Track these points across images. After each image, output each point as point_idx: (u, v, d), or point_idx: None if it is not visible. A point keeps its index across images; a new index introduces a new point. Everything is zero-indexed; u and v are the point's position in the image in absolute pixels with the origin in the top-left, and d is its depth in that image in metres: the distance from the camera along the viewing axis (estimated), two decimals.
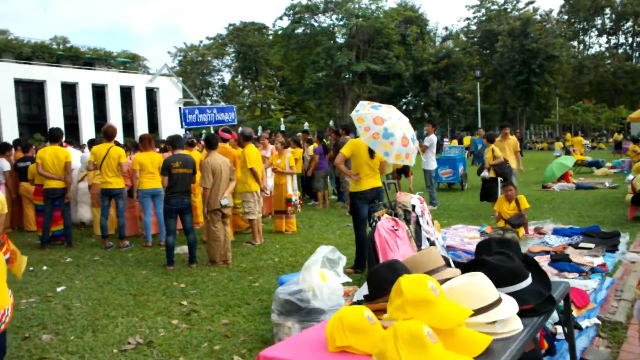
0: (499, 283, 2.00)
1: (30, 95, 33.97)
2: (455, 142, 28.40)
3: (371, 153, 5.89)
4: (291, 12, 40.78)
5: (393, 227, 4.93)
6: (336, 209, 10.88)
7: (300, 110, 51.04)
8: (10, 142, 10.28)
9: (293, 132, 25.95)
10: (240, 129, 8.33)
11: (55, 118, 32.27)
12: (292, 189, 8.63)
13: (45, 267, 6.52)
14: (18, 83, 31.40)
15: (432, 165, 10.75)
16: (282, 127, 33.41)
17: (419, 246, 5.09)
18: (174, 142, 6.71)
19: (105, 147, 7.53)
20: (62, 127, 31.74)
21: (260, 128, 36.27)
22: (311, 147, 11.87)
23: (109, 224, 7.77)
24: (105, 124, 8.20)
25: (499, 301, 1.88)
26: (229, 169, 6.70)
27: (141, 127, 36.97)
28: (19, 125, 30.50)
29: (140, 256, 7.12)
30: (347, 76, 41.19)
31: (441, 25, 71.27)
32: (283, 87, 53.77)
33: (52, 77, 32.29)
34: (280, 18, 42.16)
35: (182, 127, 7.36)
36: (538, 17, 43.89)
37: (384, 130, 5.41)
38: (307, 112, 50.89)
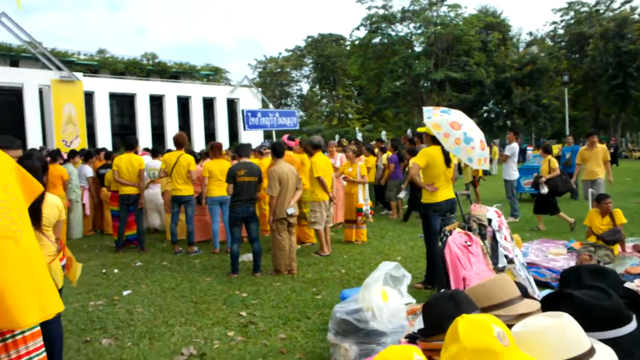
0: (591, 327, 1.53)
1: (122, 107, 36.19)
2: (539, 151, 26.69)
3: (447, 161, 5.47)
4: (368, 22, 40.56)
5: (466, 242, 4.46)
6: (410, 219, 10.39)
7: (377, 119, 50.55)
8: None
9: (368, 141, 25.62)
10: (312, 137, 8.10)
11: (144, 128, 34.13)
12: (363, 198, 8.30)
13: (116, 270, 6.64)
14: (112, 96, 33.55)
15: (514, 175, 10.00)
16: (359, 136, 33.16)
17: (495, 264, 4.58)
18: (239, 150, 6.63)
19: (176, 154, 7.62)
20: (150, 137, 33.68)
21: (337, 137, 36.29)
22: (385, 156, 11.49)
23: (178, 230, 7.83)
24: (177, 133, 8.31)
25: (591, 353, 1.43)
26: (295, 177, 6.51)
27: (222, 136, 38.19)
28: (112, 135, 32.53)
29: (207, 263, 7.09)
30: (426, 84, 40.27)
31: (525, 31, 67.94)
32: (360, 96, 53.58)
33: (142, 90, 34.24)
34: (357, 29, 42.11)
35: (244, 129, 7.20)
36: (636, 16, 40.53)
37: (463, 135, 4.99)
38: (385, 120, 50.30)
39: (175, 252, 7.63)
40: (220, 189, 7.48)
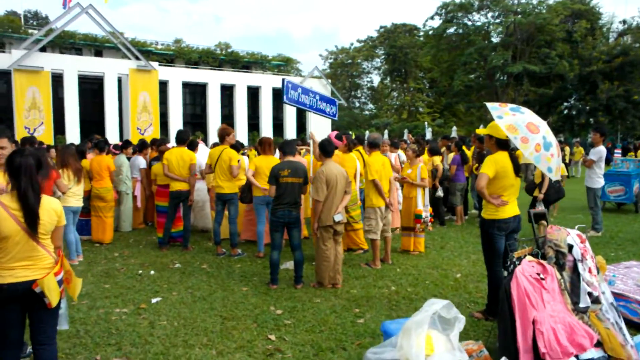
0: None
1: (194, 96, 36.87)
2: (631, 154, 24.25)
3: (516, 170, 4.56)
4: (443, 11, 38.74)
5: (539, 274, 3.59)
6: (475, 227, 9.40)
7: (449, 113, 48.56)
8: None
9: (436, 138, 24.35)
10: (367, 134, 7.32)
11: (214, 118, 34.62)
12: (422, 204, 7.45)
13: (152, 272, 6.27)
14: (185, 85, 34.23)
15: (598, 182, 8.70)
16: (428, 133, 31.78)
17: (575, 303, 3.67)
18: (284, 147, 6.00)
19: (219, 149, 7.15)
20: (219, 126, 34.09)
21: (405, 131, 35.06)
22: (451, 155, 10.49)
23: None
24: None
25: None
26: (345, 180, 5.81)
27: (290, 127, 38.11)
28: (183, 124, 33.22)
29: (248, 268, 6.56)
30: (502, 78, 37.96)
31: (617, 19, 62.30)
32: (432, 89, 51.70)
33: (214, 79, 34.67)
34: (432, 18, 40.36)
35: (283, 101, 6.65)
36: None
37: (543, 139, 4.08)
38: (456, 115, 48.22)
39: (217, 254, 7.19)
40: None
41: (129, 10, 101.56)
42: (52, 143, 24.35)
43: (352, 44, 57.54)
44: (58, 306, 3.13)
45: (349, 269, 6.49)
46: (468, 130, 38.38)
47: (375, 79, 59.34)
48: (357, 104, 61.25)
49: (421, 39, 48.58)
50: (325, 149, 5.93)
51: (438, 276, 6.18)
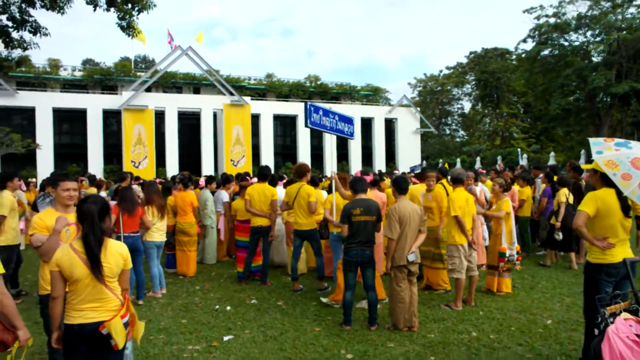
0: None
1: (285, 128, 38.00)
2: None
3: (625, 209, 4.03)
4: (536, 33, 36.93)
5: (638, 335, 3.09)
6: (569, 265, 8.57)
7: (546, 138, 45.85)
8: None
9: (532, 164, 22.92)
10: (457, 162, 7.00)
11: (304, 149, 35.37)
12: (508, 241, 6.92)
13: (229, 308, 6.32)
14: (276, 118, 35.42)
15: None
16: (523, 159, 30.08)
17: None
18: (354, 185, 5.85)
19: (297, 186, 7.17)
20: (309, 158, 34.74)
21: (499, 158, 33.50)
22: (542, 186, 9.74)
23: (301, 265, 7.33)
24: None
25: None
26: (419, 218, 5.54)
27: (379, 156, 37.97)
28: (274, 155, 34.27)
29: (324, 308, 6.40)
30: (605, 99, 35.19)
31: None
32: (527, 114, 49.26)
33: (303, 111, 35.48)
34: (524, 41, 38.59)
35: (305, 125, 6.42)
36: None
37: None
38: (554, 140, 45.39)
39: (294, 290, 7.12)
40: None
41: (226, 50, 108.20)
42: (154, 175, 26.17)
43: (441, 71, 56.69)
44: (124, 348, 3.19)
45: (427, 310, 6.13)
46: (567, 156, 35.82)
47: (466, 105, 57.77)
48: (448, 131, 59.81)
49: (513, 62, 46.69)
50: (400, 186, 5.71)
51: (525, 322, 5.63)
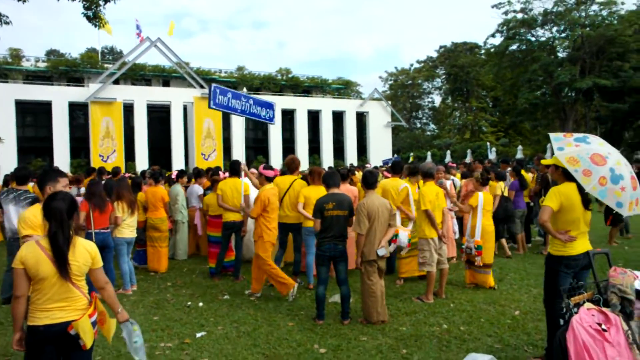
0: None
1: (256, 121, 37.65)
2: None
3: (585, 203, 4.15)
4: (504, 28, 37.64)
5: (600, 324, 3.20)
6: (538, 257, 8.81)
7: (514, 132, 46.89)
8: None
9: (498, 158, 23.42)
10: (423, 163, 7.12)
11: (276, 142, 35.23)
12: (471, 234, 7.04)
13: (201, 304, 6.26)
14: None
15: None
16: (492, 153, 30.71)
17: None
18: (327, 179, 5.88)
19: (290, 179, 7.22)
20: (280, 151, 34.62)
21: (469, 152, 34.10)
22: (512, 179, 9.94)
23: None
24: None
25: None
26: (388, 212, 5.59)
27: (351, 150, 38.12)
28: (246, 148, 33.98)
29: (298, 301, 6.41)
30: (570, 94, 36.16)
31: None
32: (495, 108, 50.22)
33: (275, 104, 35.30)
34: (493, 36, 39.32)
35: (209, 106, 6.47)
36: None
37: (610, 171, 3.70)
38: (522, 134, 46.45)
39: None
40: None
41: (196, 41, 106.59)
42: (123, 170, 25.64)
43: (412, 65, 57.30)
44: (92, 348, 3.12)
45: (399, 303, 6.21)
46: (535, 150, 36.76)
47: (437, 99, 58.55)
48: (419, 125, 60.51)
49: (482, 57, 47.51)
50: (367, 181, 5.75)
51: (495, 313, 5.77)
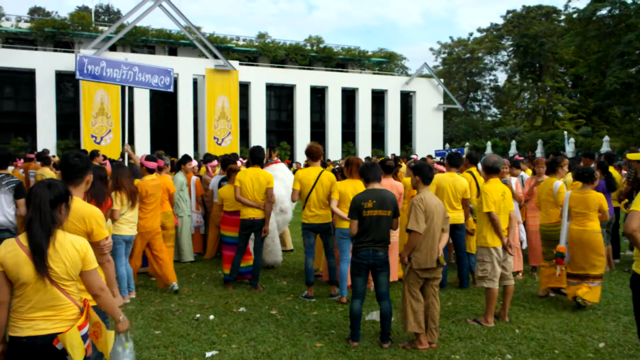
0: None
1: (280, 100, 38.01)
2: None
3: None
4: None
5: None
6: (629, 275, 8.61)
7: (599, 119, 45.84)
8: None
9: (578, 152, 22.96)
10: (485, 155, 7.04)
11: (303, 126, 35.40)
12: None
13: (212, 317, 6.38)
14: (269, 88, 35.39)
15: None
16: (570, 145, 30.15)
17: None
18: (365, 172, 5.87)
19: (316, 171, 7.26)
20: (308, 135, 34.77)
21: (539, 143, 33.58)
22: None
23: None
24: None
25: None
26: (443, 215, 5.59)
27: (393, 137, 38.04)
28: (267, 132, 34.25)
29: (326, 317, 6.47)
30: None
31: None
32: (576, 88, 49.19)
33: (302, 80, 35.50)
34: None
35: (76, 77, 7.08)
36: None
37: None
38: (610, 121, 45.39)
39: (306, 297, 7.23)
40: None
41: (209, 1, 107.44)
42: (119, 154, 26.17)
43: (471, 35, 56.58)
44: None
45: (451, 325, 6.19)
46: (626, 141, 35.90)
47: (501, 76, 57.83)
48: (477, 108, 59.82)
49: (562, 24, 46.55)
50: (426, 175, 5.73)
51: (572, 344, 5.68)
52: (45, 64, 29.23)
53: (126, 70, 7.84)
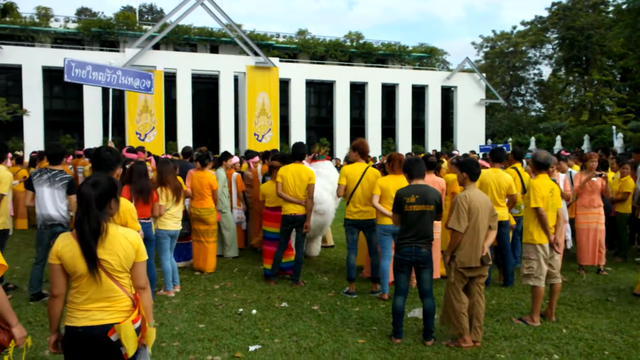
0: None
1: (320, 96, 38.03)
2: None
3: None
4: None
5: None
6: None
7: None
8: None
9: (627, 147, 22.30)
10: (535, 152, 6.96)
11: (342, 122, 35.36)
12: None
13: (254, 311, 6.43)
14: (309, 84, 35.44)
15: None
16: (618, 140, 29.28)
17: None
18: (409, 167, 5.82)
19: (362, 167, 7.25)
20: (348, 131, 34.72)
21: (586, 138, 32.72)
22: None
23: None
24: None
25: None
26: (490, 211, 5.49)
27: (433, 133, 37.64)
28: (306, 129, 34.34)
29: (367, 314, 6.45)
30: None
31: None
32: (625, 82, 47.71)
33: (342, 76, 35.45)
34: None
35: (65, 79, 7.82)
36: None
37: None
38: None
39: (347, 293, 7.23)
40: None
41: (250, 0, 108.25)
42: (163, 151, 26.66)
43: (514, 28, 55.40)
44: (135, 358, 3.25)
45: (496, 324, 6.10)
46: None
47: (545, 70, 56.39)
48: (520, 103, 58.67)
49: (610, 15, 45.17)
50: (473, 171, 5.64)
51: (623, 345, 5.52)
52: None
53: (110, 73, 8.89)
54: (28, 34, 34.44)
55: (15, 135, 28.60)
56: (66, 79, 8.18)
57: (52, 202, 6.36)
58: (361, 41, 41.41)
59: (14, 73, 29.57)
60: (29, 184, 6.44)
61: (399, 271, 5.63)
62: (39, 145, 25.46)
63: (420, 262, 5.55)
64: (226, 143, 30.72)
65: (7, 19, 29.92)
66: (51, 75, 30.59)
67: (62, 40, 35.78)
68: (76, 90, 30.52)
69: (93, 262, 3.08)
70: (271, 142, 30.66)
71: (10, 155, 6.81)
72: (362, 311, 6.57)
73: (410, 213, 5.49)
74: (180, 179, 7.30)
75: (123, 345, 3.13)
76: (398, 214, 5.56)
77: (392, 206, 5.71)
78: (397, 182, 6.90)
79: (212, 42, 37.91)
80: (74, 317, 3.15)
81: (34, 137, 27.65)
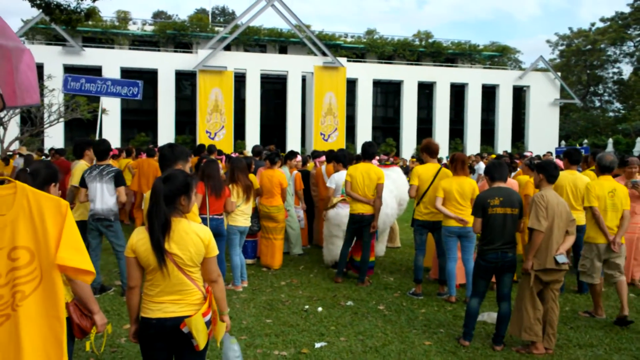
0: None
1: (387, 96, 37.80)
2: None
3: None
4: None
5: None
6: None
7: None
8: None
9: None
10: (600, 154, 6.76)
11: (408, 123, 35.07)
12: None
13: (320, 309, 6.46)
14: (376, 84, 35.33)
15: None
16: None
17: None
18: (491, 170, 5.64)
19: (434, 167, 7.16)
20: (414, 131, 34.40)
21: None
22: None
23: None
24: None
25: None
26: (567, 214, 5.29)
27: (504, 134, 36.74)
28: (372, 129, 34.23)
29: (434, 316, 6.36)
30: None
31: None
32: None
33: (410, 76, 35.13)
34: None
35: (62, 90, 8.90)
36: None
37: None
38: None
39: (414, 294, 7.17)
40: (462, 216, 6.67)
41: (319, 1, 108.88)
42: (232, 149, 27.22)
43: (593, 25, 53.15)
44: (205, 350, 3.33)
45: (570, 331, 5.89)
46: None
47: (626, 69, 53.89)
48: (598, 103, 56.33)
49: None
50: (551, 173, 5.46)
51: None
52: (166, 64, 30.96)
53: (101, 84, 10.51)
54: (108, 36, 35.92)
55: (93, 132, 29.75)
56: (62, 90, 10.17)
57: (101, 197, 6.58)
58: (430, 40, 40.87)
59: (94, 73, 30.80)
60: (82, 181, 6.68)
61: (480, 277, 5.50)
62: (116, 143, 26.52)
63: (506, 267, 5.41)
64: (293, 142, 31.05)
65: (90, 22, 31.29)
66: (128, 76, 31.72)
67: (139, 42, 37.14)
68: (151, 91, 31.62)
69: (161, 255, 3.15)
70: (337, 141, 30.76)
71: (88, 152, 7.07)
72: (429, 313, 6.48)
73: (494, 216, 5.33)
74: (253, 176, 7.42)
75: (194, 337, 3.21)
76: (480, 218, 5.42)
77: (473, 210, 5.57)
78: (460, 183, 6.78)
79: (281, 42, 38.38)
80: (148, 308, 3.25)
81: (111, 135, 28.79)
